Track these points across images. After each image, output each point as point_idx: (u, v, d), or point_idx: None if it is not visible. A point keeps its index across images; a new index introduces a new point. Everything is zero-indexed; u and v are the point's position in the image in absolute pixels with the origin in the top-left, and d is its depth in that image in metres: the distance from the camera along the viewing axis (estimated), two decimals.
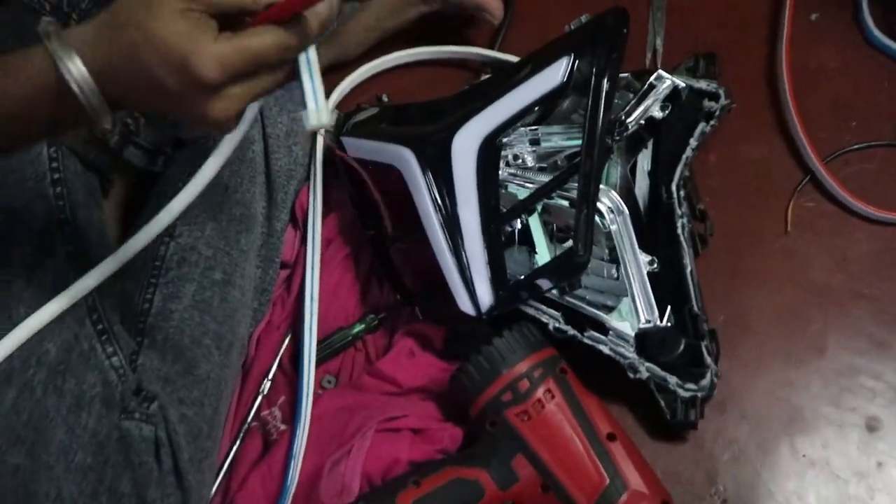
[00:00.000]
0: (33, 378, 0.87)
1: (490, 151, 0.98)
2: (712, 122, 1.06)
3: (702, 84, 1.08)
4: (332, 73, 1.17)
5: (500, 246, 0.97)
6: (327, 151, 1.10)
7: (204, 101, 0.68)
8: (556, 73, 0.97)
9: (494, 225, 0.96)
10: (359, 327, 1.05)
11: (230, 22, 0.68)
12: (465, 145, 0.97)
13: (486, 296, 0.96)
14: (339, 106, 1.15)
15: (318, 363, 1.02)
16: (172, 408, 0.91)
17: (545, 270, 0.96)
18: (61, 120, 0.72)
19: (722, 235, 1.07)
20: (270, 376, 1.03)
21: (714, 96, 1.08)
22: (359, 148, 1.05)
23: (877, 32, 1.19)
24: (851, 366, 1.04)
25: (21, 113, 0.71)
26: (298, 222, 1.09)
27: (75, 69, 0.68)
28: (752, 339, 1.05)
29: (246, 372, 1.04)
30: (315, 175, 1.09)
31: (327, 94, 1.14)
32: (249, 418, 1.01)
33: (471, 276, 0.95)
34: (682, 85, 1.05)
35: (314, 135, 1.10)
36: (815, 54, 1.19)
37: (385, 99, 1.14)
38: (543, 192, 0.98)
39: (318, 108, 0.86)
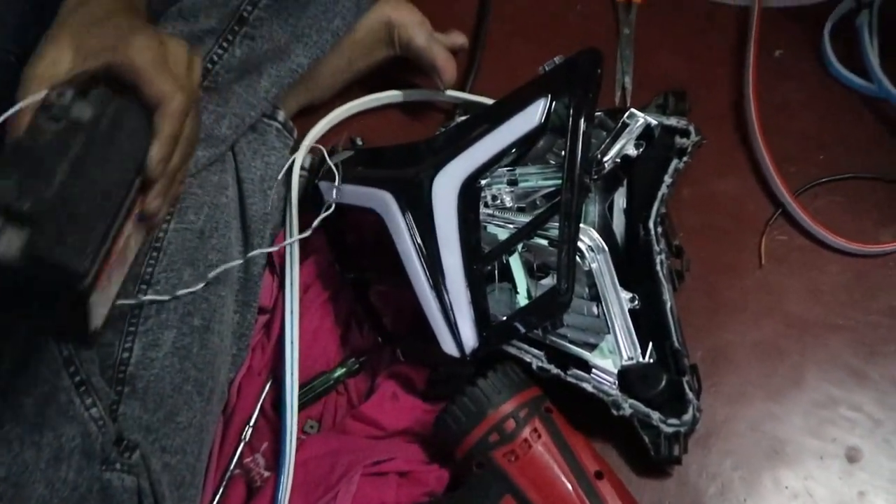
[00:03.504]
0: (10, 433, 0.86)
1: (470, 193, 0.98)
2: (685, 159, 1.08)
3: (672, 121, 1.09)
4: (304, 117, 1.18)
5: (483, 287, 0.97)
6: (302, 195, 1.09)
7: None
8: (533, 115, 0.98)
9: (477, 266, 0.97)
10: (340, 371, 1.05)
11: None
12: (446, 187, 0.97)
13: (470, 337, 0.96)
14: (312, 150, 1.15)
15: (301, 408, 1.01)
16: (155, 456, 0.90)
17: (528, 310, 0.96)
18: None
19: (698, 271, 1.08)
20: (252, 423, 1.02)
21: (685, 133, 1.09)
22: (334, 192, 1.05)
23: (839, 67, 1.22)
24: (830, 397, 1.05)
25: None
26: (276, 267, 1.08)
27: None
28: (733, 372, 1.06)
29: (227, 419, 1.03)
30: (291, 220, 1.08)
31: (300, 138, 1.14)
32: (232, 466, 1.00)
33: (454, 318, 0.95)
34: (655, 123, 1.06)
35: (289, 178, 1.10)
36: (781, 90, 1.22)
37: (359, 142, 1.15)
38: (525, 232, 0.98)
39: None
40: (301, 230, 1.07)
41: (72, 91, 0.71)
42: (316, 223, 1.01)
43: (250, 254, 1.03)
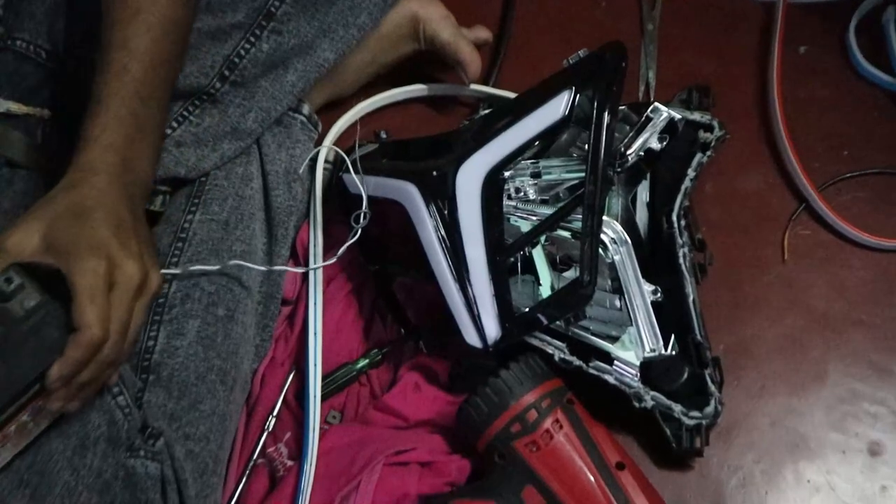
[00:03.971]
0: None
1: (494, 185, 0.98)
2: (708, 153, 1.07)
3: (696, 116, 1.09)
4: (329, 110, 1.18)
5: (506, 279, 0.98)
6: (327, 188, 1.10)
7: None
8: (557, 107, 0.98)
9: (500, 258, 0.97)
10: (363, 362, 1.05)
11: None
12: (470, 179, 0.98)
13: (492, 329, 0.96)
14: (337, 143, 1.15)
15: (323, 399, 1.02)
16: (178, 444, 0.90)
17: (551, 302, 0.96)
18: None
19: (721, 265, 1.08)
20: (275, 413, 1.03)
21: (709, 127, 1.09)
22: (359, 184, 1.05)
23: (864, 63, 1.22)
24: (853, 392, 1.05)
25: None
26: (300, 259, 1.09)
27: None
28: (755, 366, 1.06)
29: (250, 409, 1.04)
30: (315, 211, 1.09)
31: (324, 132, 1.15)
32: (255, 455, 1.01)
33: (477, 310, 0.96)
34: (678, 117, 1.06)
35: (313, 171, 1.11)
36: (805, 86, 1.22)
37: (384, 135, 1.15)
38: (548, 224, 0.98)
39: None
40: (324, 222, 1.08)
41: (19, 281, 0.76)
42: (342, 250, 1.01)
43: (275, 267, 1.06)
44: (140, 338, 0.94)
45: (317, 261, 1.06)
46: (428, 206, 0.97)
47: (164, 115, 0.92)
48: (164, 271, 0.95)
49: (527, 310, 0.96)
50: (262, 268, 1.02)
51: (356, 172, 1.03)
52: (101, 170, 0.82)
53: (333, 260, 1.02)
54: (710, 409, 0.97)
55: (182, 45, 0.94)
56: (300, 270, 1.06)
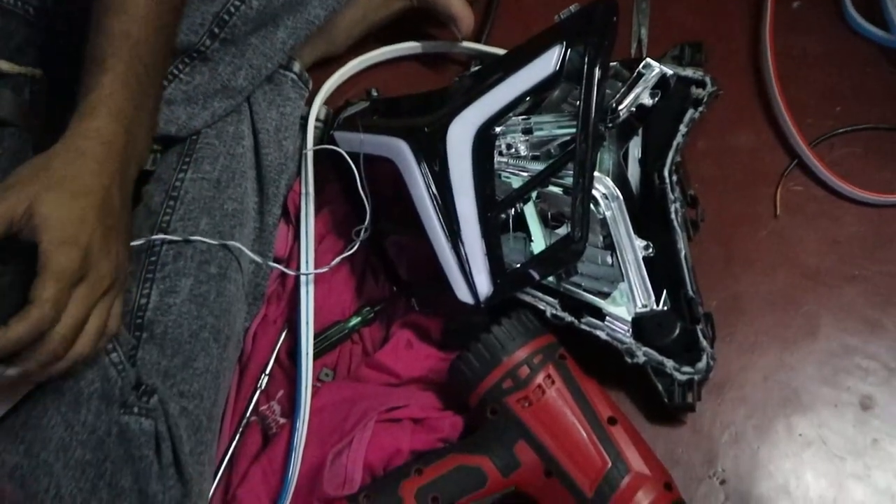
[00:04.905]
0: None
1: (485, 141, 0.98)
2: (700, 109, 1.07)
3: (688, 72, 1.08)
4: (320, 69, 1.18)
5: (497, 235, 0.97)
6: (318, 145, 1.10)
7: None
8: (548, 62, 0.98)
9: (491, 214, 0.97)
10: (355, 320, 1.05)
11: None
12: (461, 135, 0.97)
13: (484, 285, 0.96)
14: (329, 101, 1.15)
15: (316, 356, 1.02)
16: (173, 401, 0.90)
17: (543, 258, 0.97)
18: None
19: (713, 221, 1.08)
20: (268, 371, 1.03)
21: (701, 83, 1.08)
22: (351, 141, 1.05)
23: (858, 17, 1.21)
24: (845, 346, 1.05)
25: None
26: (291, 217, 1.09)
27: None
28: (747, 322, 1.06)
29: (243, 367, 1.04)
30: (306, 169, 1.09)
31: (315, 90, 1.14)
32: (248, 413, 1.01)
33: (469, 266, 0.96)
34: (670, 73, 1.05)
35: (304, 128, 1.10)
36: (799, 41, 1.21)
37: (375, 93, 1.15)
38: (539, 180, 0.98)
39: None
40: (316, 181, 1.08)
41: None
42: (337, 260, 1.02)
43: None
44: (131, 299, 0.94)
45: (308, 219, 1.06)
46: (419, 163, 0.97)
47: (162, 82, 0.92)
48: (163, 236, 0.96)
49: (518, 266, 0.97)
50: (257, 258, 1.02)
51: (353, 130, 1.02)
52: (107, 139, 0.81)
53: (326, 269, 1.03)
54: (702, 365, 0.98)
55: (178, 12, 0.93)
56: (292, 273, 1.05)
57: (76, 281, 0.77)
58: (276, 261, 1.07)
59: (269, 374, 1.03)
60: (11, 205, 0.76)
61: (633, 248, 1.00)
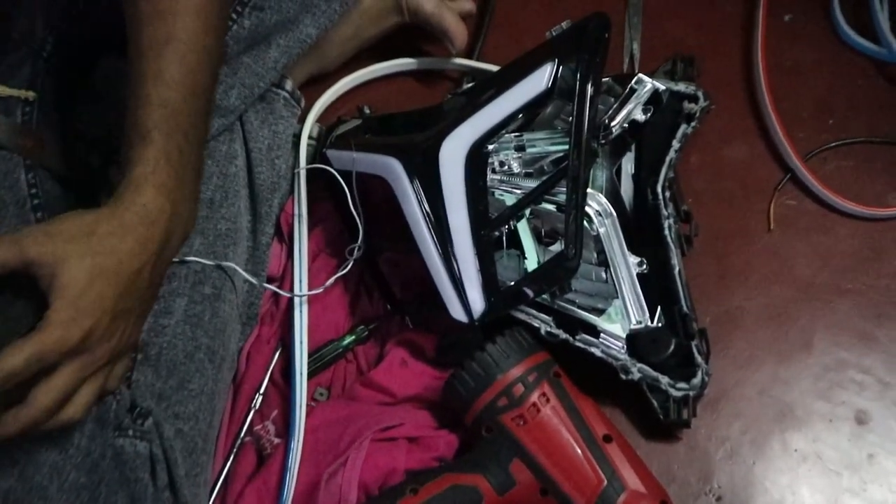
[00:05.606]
0: None
1: (477, 158, 0.98)
2: (693, 124, 1.07)
3: (680, 87, 1.09)
4: (312, 86, 1.18)
5: (491, 252, 0.97)
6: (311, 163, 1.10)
7: None
8: (540, 80, 0.98)
9: (484, 232, 0.96)
10: (349, 339, 1.05)
11: None
12: (453, 153, 0.97)
13: (478, 302, 0.96)
14: (321, 119, 1.15)
15: (310, 376, 1.02)
16: (168, 423, 0.90)
17: (536, 275, 0.97)
18: None
19: (707, 236, 1.08)
20: (262, 390, 1.03)
21: (693, 98, 1.08)
22: (343, 160, 1.05)
23: (849, 31, 1.21)
24: (839, 360, 1.05)
25: None
26: (284, 236, 1.09)
27: None
28: (741, 337, 1.06)
29: (237, 387, 1.03)
30: (299, 188, 1.09)
31: (308, 108, 1.14)
32: (242, 433, 1.01)
33: (462, 284, 0.95)
34: (663, 88, 1.05)
35: (297, 146, 1.10)
36: (791, 54, 1.21)
37: (367, 110, 1.15)
38: (532, 197, 0.98)
39: None
40: (308, 199, 1.08)
41: None
42: (331, 281, 1.03)
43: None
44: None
45: (301, 238, 1.06)
46: (412, 181, 0.97)
47: (203, 151, 0.90)
48: None
49: (512, 283, 0.96)
50: (252, 279, 1.02)
51: (345, 149, 1.02)
52: (153, 217, 0.81)
53: (321, 290, 1.03)
54: (697, 381, 0.97)
55: (214, 77, 0.91)
56: (287, 294, 1.05)
57: (69, 355, 0.76)
58: (270, 280, 1.07)
59: (264, 394, 1.03)
60: (43, 254, 0.76)
61: (627, 265, 1.00)
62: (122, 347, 0.81)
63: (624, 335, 0.99)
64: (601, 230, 1.00)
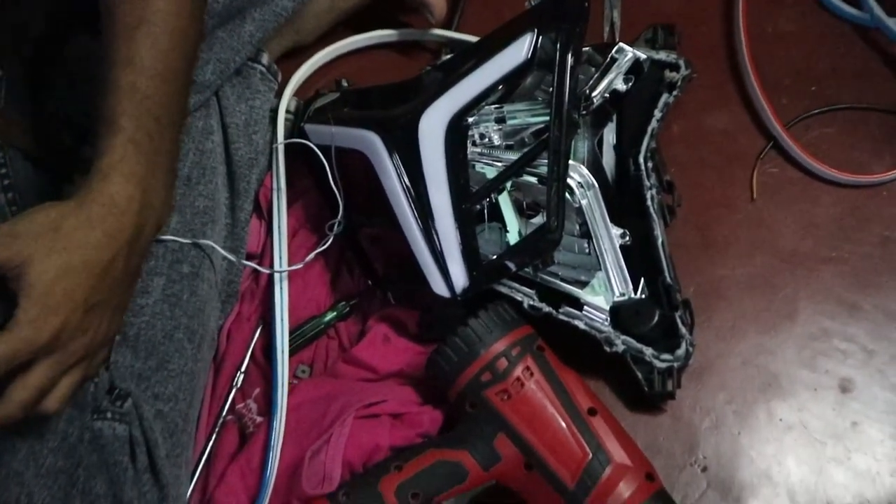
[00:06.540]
0: None
1: (457, 131, 0.97)
2: (675, 93, 1.06)
3: (662, 55, 1.08)
4: (289, 59, 1.16)
5: (472, 226, 0.97)
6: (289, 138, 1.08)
7: None
8: (520, 50, 0.97)
9: (465, 205, 0.96)
10: (331, 315, 1.04)
11: None
12: (432, 126, 0.96)
13: (459, 277, 0.95)
14: (298, 92, 1.13)
15: (292, 353, 1.01)
16: (147, 404, 0.89)
17: (518, 249, 0.96)
18: None
19: (690, 206, 1.08)
20: (243, 369, 1.02)
21: (675, 67, 1.07)
22: (322, 134, 1.03)
23: None
24: (823, 329, 1.05)
25: None
26: (263, 212, 1.07)
27: None
28: (725, 307, 1.06)
29: (218, 366, 1.02)
30: (277, 163, 1.07)
31: (285, 81, 1.13)
32: (224, 412, 1.00)
33: (444, 258, 0.95)
34: (644, 57, 1.04)
35: (274, 121, 1.09)
36: (772, 20, 1.20)
37: (345, 83, 1.13)
38: (513, 169, 0.97)
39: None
40: (287, 174, 1.07)
41: None
42: (311, 256, 1.01)
43: None
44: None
45: (281, 214, 1.05)
46: (391, 156, 0.96)
47: (179, 135, 0.89)
48: None
49: (494, 257, 0.96)
50: (231, 256, 1.00)
51: (324, 123, 1.01)
52: (122, 207, 0.80)
53: (300, 266, 1.01)
54: (681, 352, 0.97)
55: (191, 60, 0.89)
56: (266, 271, 1.04)
57: (42, 352, 0.76)
58: (249, 257, 1.06)
59: (245, 373, 1.02)
60: (9, 256, 0.75)
61: (610, 237, 0.99)
62: (101, 339, 0.81)
63: (607, 307, 0.98)
64: (583, 202, 1.00)
